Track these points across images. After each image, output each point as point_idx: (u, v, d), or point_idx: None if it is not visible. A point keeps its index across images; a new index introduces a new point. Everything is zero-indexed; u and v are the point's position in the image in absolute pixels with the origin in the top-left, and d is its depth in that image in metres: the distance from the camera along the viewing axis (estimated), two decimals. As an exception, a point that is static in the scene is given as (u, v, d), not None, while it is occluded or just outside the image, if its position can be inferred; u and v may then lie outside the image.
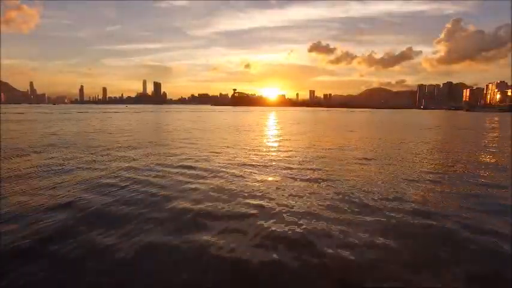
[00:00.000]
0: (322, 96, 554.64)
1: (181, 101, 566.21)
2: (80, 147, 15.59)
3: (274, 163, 12.05)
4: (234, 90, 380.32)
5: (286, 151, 15.16)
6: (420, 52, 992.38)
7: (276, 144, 18.08)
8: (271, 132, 28.08)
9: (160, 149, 15.32)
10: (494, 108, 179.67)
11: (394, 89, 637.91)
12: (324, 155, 14.04)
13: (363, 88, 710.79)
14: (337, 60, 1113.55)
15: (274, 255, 4.76)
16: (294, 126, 35.05)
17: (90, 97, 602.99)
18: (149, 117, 54.33)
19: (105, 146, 16.11)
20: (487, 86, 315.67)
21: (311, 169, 10.88)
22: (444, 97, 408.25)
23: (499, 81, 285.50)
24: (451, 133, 29.88)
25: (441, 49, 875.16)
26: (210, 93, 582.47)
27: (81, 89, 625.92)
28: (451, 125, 43.35)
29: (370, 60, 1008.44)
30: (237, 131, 27.66)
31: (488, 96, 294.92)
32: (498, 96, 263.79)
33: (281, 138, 22.03)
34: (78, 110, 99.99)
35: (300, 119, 54.82)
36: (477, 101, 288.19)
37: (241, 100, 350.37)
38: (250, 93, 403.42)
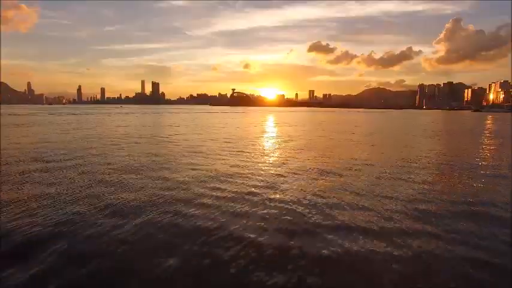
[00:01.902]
0: (321, 96, 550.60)
1: (180, 101, 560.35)
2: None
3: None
4: (233, 90, 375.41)
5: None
6: (420, 52, 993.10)
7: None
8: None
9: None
10: (502, 108, 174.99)
11: (394, 89, 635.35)
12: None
13: (362, 88, 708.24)
14: (337, 60, 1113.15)
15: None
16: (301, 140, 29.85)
17: (88, 97, 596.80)
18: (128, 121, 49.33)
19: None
20: (489, 85, 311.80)
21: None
22: (445, 97, 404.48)
23: (502, 81, 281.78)
24: None
25: (441, 49, 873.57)
26: (209, 93, 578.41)
27: (79, 89, 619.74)
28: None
29: (370, 60, 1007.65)
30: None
31: (492, 96, 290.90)
32: (502, 95, 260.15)
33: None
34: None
35: (307, 129, 49.39)
36: (479, 101, 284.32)
37: (240, 100, 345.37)
38: (249, 93, 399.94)
